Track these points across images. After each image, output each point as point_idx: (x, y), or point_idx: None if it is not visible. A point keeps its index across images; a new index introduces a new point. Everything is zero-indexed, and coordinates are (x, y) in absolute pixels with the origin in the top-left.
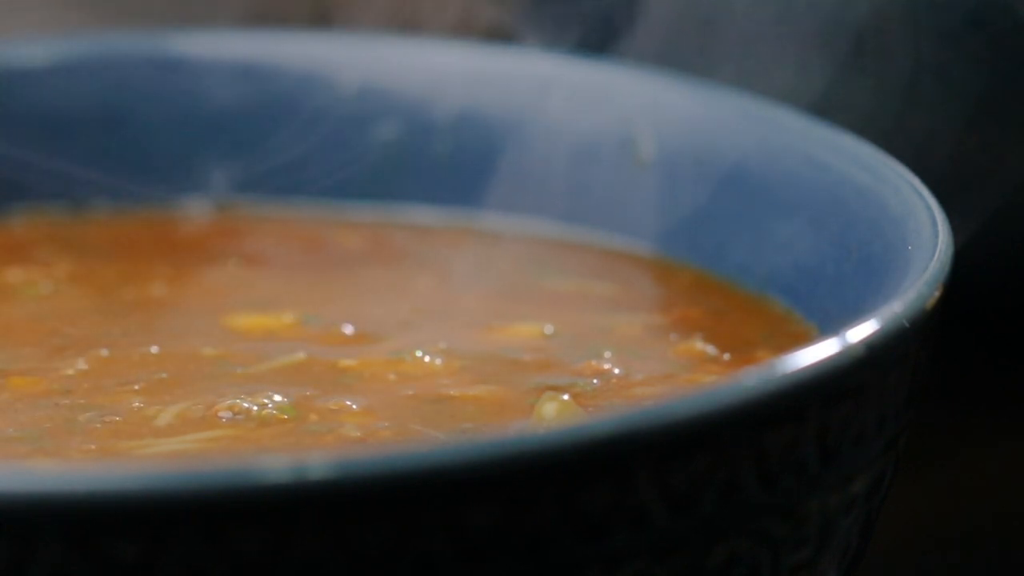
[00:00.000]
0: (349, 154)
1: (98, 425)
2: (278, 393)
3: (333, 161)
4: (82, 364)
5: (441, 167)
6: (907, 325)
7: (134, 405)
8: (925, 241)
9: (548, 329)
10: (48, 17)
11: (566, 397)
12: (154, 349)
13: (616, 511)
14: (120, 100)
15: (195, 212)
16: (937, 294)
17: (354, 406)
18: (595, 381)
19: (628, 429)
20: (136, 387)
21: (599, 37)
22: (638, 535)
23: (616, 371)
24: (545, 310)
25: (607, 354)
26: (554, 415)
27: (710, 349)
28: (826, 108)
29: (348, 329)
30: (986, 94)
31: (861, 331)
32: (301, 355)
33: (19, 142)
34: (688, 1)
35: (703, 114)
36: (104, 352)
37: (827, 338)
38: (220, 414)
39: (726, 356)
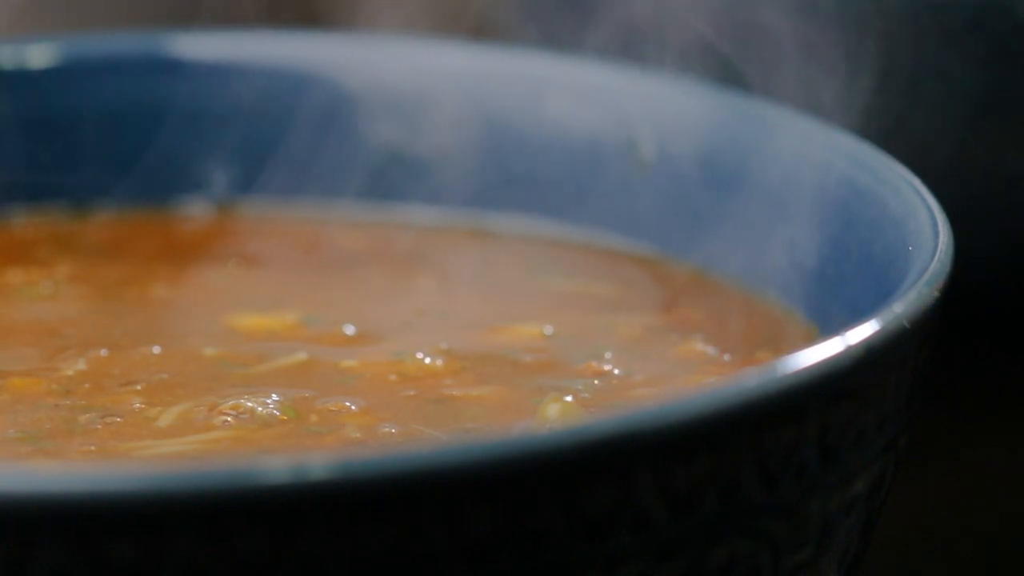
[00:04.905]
0: (349, 154)
1: (98, 426)
2: (279, 394)
3: (333, 161)
4: (82, 365)
5: (441, 167)
6: (907, 326)
7: (135, 406)
8: (925, 241)
9: (548, 330)
10: (48, 17)
11: (569, 399)
12: (155, 349)
13: (617, 512)
14: (120, 100)
15: (195, 212)
16: (937, 294)
17: (355, 407)
18: (596, 382)
19: (629, 430)
20: (137, 388)
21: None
22: (639, 536)
23: (616, 372)
24: (545, 310)
25: (607, 355)
26: (557, 416)
27: (710, 350)
28: (827, 109)
29: (349, 330)
30: (986, 94)
31: (861, 332)
32: (302, 356)
33: (19, 142)
34: (688, 1)
35: (703, 114)
36: (104, 353)
37: (827, 339)
38: (221, 415)
39: (726, 357)
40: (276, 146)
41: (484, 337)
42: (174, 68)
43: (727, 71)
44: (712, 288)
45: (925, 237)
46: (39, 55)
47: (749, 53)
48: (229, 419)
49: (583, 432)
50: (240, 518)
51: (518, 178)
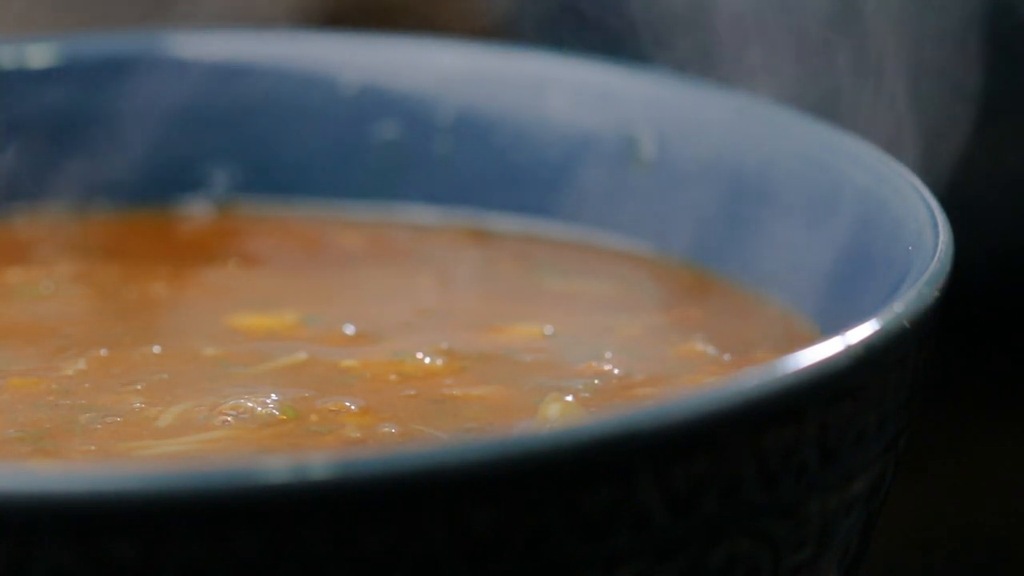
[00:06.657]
0: (349, 154)
1: (99, 426)
2: (279, 393)
3: (333, 161)
4: (82, 364)
5: (441, 167)
6: (907, 325)
7: (135, 406)
8: (925, 241)
9: (548, 329)
10: (47, 17)
11: (569, 398)
12: (155, 349)
13: (617, 512)
14: (120, 100)
15: (195, 212)
16: (937, 294)
17: (354, 407)
18: (596, 382)
19: (629, 430)
20: (137, 387)
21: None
22: (639, 535)
23: (616, 371)
24: (545, 310)
25: (607, 354)
26: (558, 416)
27: (710, 349)
28: (827, 108)
29: (349, 329)
30: (986, 94)
31: (861, 331)
32: (302, 355)
33: (19, 142)
34: (689, 1)
35: (703, 114)
36: (104, 352)
37: (827, 338)
38: (221, 415)
39: (726, 356)
40: (276, 146)
41: (484, 337)
42: (174, 68)
43: (727, 71)
44: (712, 288)
45: (925, 237)
46: (39, 55)
47: (748, 53)
48: (229, 419)
49: (583, 432)
50: (240, 518)
51: (518, 178)
